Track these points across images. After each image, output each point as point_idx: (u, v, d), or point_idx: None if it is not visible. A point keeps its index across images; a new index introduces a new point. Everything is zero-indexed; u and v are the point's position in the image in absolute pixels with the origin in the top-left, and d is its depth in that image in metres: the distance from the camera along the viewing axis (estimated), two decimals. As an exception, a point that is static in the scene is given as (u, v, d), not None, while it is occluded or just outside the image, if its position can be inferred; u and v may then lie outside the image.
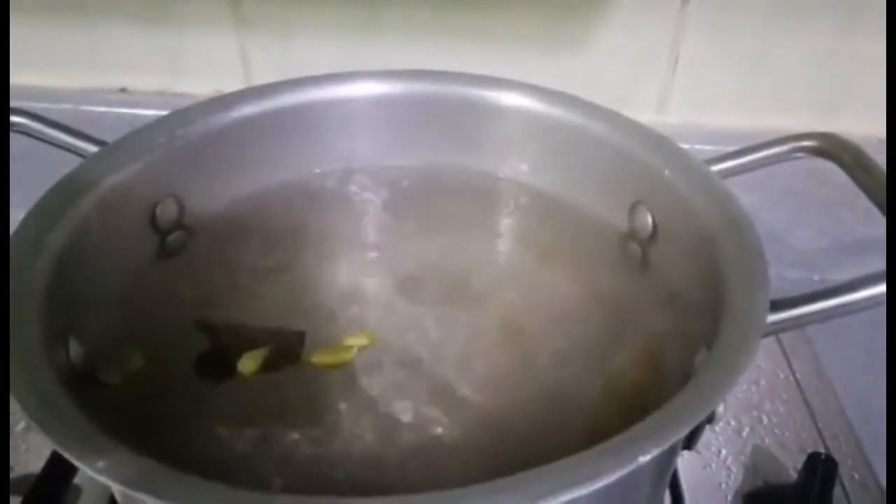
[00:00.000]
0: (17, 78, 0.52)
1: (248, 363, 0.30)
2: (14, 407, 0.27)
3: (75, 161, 0.33)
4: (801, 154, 0.33)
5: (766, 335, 0.25)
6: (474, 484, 0.19)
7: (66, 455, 0.21)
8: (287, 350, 0.31)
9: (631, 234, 0.36)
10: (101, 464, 0.21)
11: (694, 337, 0.29)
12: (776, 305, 0.26)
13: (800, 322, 0.25)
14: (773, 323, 0.25)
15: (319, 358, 0.31)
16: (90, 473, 0.21)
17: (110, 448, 0.21)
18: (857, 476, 0.38)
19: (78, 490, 0.36)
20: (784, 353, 0.45)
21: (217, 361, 0.31)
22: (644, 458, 0.20)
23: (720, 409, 0.26)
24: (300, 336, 0.32)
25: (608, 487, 0.20)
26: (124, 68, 0.53)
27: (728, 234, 0.29)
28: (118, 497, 0.27)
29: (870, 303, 0.25)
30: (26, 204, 0.30)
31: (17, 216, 0.30)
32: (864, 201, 0.31)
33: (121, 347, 0.31)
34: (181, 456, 0.21)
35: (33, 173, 0.34)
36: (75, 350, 0.28)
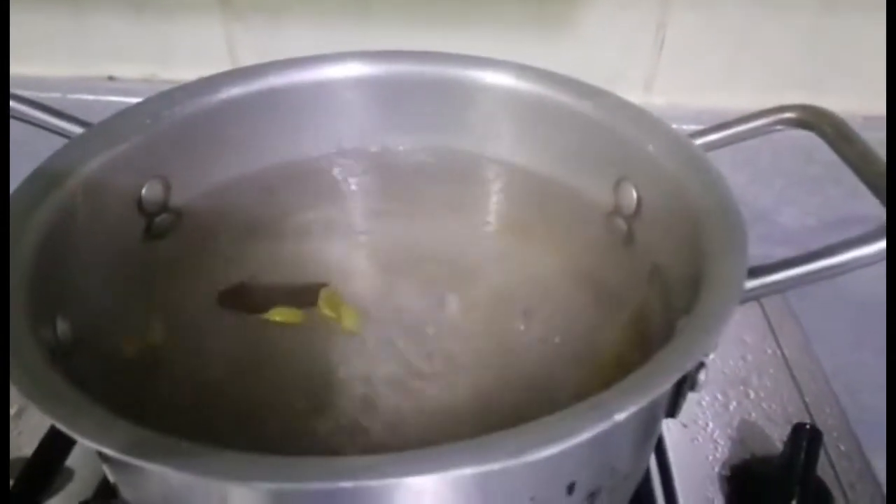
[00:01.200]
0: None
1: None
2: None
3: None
4: (782, 126, 0.33)
5: (744, 301, 0.25)
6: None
7: (61, 426, 0.21)
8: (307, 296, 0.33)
9: (616, 210, 0.36)
10: (94, 433, 0.21)
11: (676, 306, 0.29)
12: (754, 272, 0.26)
13: (777, 287, 0.26)
14: (752, 289, 0.25)
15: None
16: (84, 443, 0.21)
17: (103, 418, 0.22)
18: (842, 447, 0.38)
19: (70, 472, 0.37)
20: (771, 328, 0.45)
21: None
22: (620, 416, 0.20)
23: (702, 376, 0.27)
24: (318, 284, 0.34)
25: (588, 448, 0.20)
26: (112, 56, 0.53)
27: (709, 204, 0.30)
28: (109, 474, 0.27)
29: (843, 269, 0.26)
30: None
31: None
32: (849, 178, 0.31)
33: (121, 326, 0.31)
34: (171, 426, 0.21)
35: (21, 161, 0.34)
36: (63, 329, 0.28)
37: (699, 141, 0.34)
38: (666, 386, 0.21)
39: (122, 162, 0.33)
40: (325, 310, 0.32)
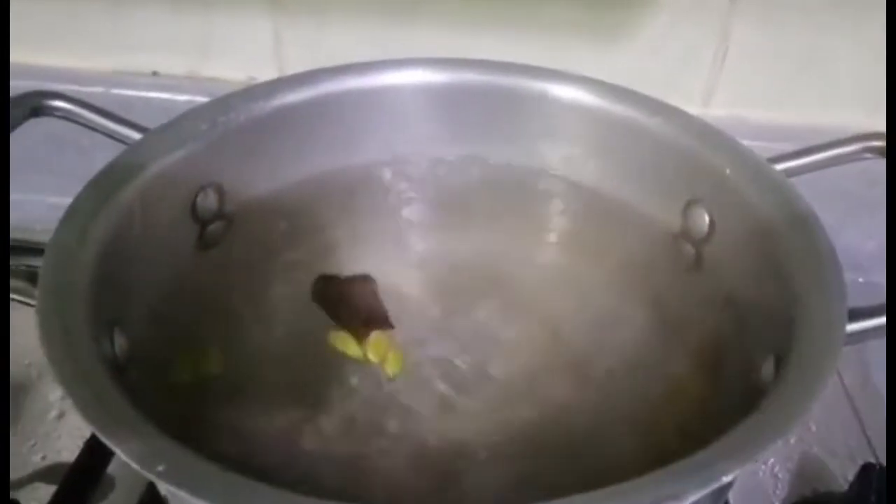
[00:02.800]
0: (46, 59, 0.51)
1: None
2: (45, 396, 0.25)
3: (108, 144, 0.33)
4: (871, 155, 0.32)
5: (844, 345, 0.23)
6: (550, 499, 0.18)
7: (110, 445, 0.21)
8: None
9: (684, 234, 0.35)
10: (145, 457, 0.20)
11: (758, 343, 0.28)
12: (853, 315, 0.25)
13: (880, 333, 0.24)
14: (852, 333, 0.24)
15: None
16: (136, 467, 0.20)
17: (154, 440, 0.21)
18: (907, 487, 0.37)
19: (111, 479, 0.36)
20: (832, 359, 0.44)
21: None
22: (727, 478, 0.19)
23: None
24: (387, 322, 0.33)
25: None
26: (155, 51, 0.52)
27: (796, 236, 0.28)
28: (161, 486, 0.26)
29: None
30: (55, 188, 0.29)
31: (48, 200, 0.29)
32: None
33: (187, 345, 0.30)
34: (218, 448, 0.21)
35: (62, 158, 0.33)
36: (120, 343, 0.27)
37: (779, 166, 0.32)
38: (772, 446, 0.20)
39: (178, 168, 0.32)
40: (369, 354, 0.31)
